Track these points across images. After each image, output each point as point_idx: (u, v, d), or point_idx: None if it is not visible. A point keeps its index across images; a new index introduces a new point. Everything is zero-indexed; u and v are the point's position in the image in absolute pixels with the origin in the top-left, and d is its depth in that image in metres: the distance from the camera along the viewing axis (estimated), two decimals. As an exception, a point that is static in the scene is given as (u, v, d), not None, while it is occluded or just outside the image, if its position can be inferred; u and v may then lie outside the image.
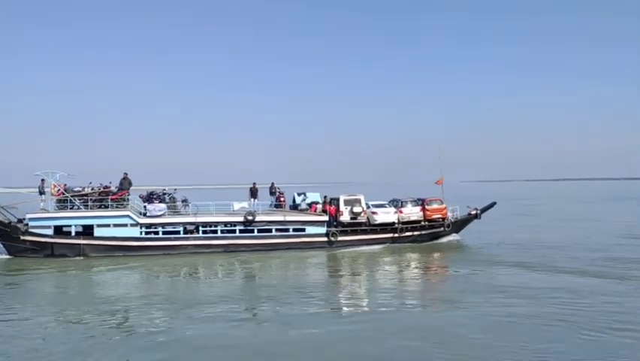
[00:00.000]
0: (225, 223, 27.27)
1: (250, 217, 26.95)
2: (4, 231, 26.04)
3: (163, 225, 26.64)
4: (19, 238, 25.86)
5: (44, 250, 25.81)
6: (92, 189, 27.75)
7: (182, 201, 27.91)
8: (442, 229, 30.09)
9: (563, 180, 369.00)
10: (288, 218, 27.78)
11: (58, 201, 26.68)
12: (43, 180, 27.20)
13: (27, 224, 26.26)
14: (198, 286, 19.60)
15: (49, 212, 26.42)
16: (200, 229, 26.95)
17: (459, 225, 31.04)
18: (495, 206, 32.75)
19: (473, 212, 31.70)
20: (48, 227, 26.05)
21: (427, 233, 29.76)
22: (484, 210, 31.92)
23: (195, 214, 27.23)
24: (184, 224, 26.85)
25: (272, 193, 31.01)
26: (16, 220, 26.58)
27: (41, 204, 27.34)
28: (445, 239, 30.19)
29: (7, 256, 26.06)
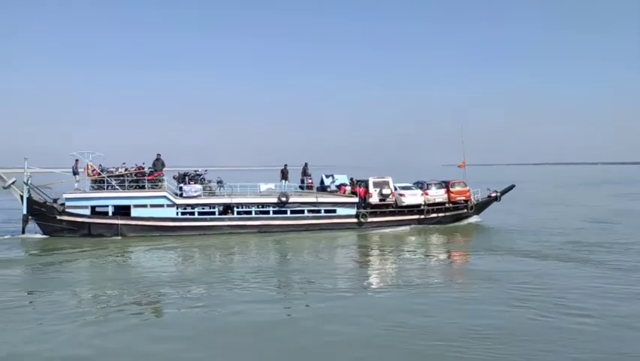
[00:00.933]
0: (259, 204, 27.68)
1: (284, 198, 27.41)
2: (40, 211, 26.15)
3: (199, 205, 26.95)
4: (56, 217, 25.97)
5: (81, 230, 25.99)
6: (126, 169, 27.90)
7: (218, 182, 28.20)
8: (465, 210, 30.94)
9: (542, 164, 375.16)
10: (320, 199, 28.31)
11: (94, 181, 26.79)
12: (77, 160, 27.25)
13: (63, 204, 26.35)
14: (232, 266, 19.96)
15: (85, 192, 26.53)
16: (235, 209, 27.31)
17: (480, 207, 31.88)
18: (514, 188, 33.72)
19: (493, 194, 32.57)
20: (85, 207, 26.21)
21: (450, 215, 30.56)
22: (503, 192, 32.79)
23: (230, 195, 27.58)
24: (219, 205, 27.17)
25: (305, 174, 31.41)
26: (51, 200, 26.62)
27: (75, 184, 27.42)
28: (467, 221, 31.05)
29: (43, 236, 26.17)
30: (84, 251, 22.56)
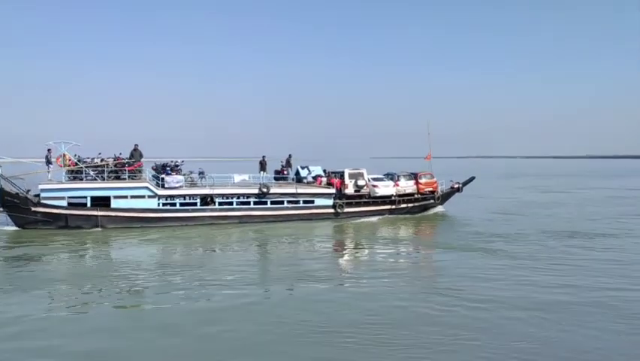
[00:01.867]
0: (240, 195, 27.94)
1: (264, 189, 27.83)
2: (12, 202, 25.20)
3: (181, 196, 26.88)
4: (30, 209, 25.11)
5: (58, 222, 25.29)
6: (102, 160, 27.31)
7: (199, 173, 28.16)
8: (432, 201, 32.58)
9: (475, 157, 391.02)
10: (299, 190, 28.93)
11: (69, 172, 26.07)
12: (49, 149, 26.38)
13: (37, 195, 25.50)
14: (214, 257, 20.16)
15: (62, 183, 25.79)
16: (216, 200, 27.44)
17: (444, 197, 33.63)
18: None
19: (456, 186, 34.43)
20: (62, 198, 25.49)
21: (419, 205, 32.09)
22: (465, 183, 34.75)
23: (212, 186, 27.67)
24: (201, 196, 27.21)
25: (289, 165, 31.76)
26: (24, 191, 25.67)
27: (49, 175, 26.56)
28: (433, 210, 32.72)
29: (15, 228, 25.27)
30: (64, 243, 22.01)
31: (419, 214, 31.76)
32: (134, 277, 15.94)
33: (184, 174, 27.48)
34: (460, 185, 34.45)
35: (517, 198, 44.38)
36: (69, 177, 26.16)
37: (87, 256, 20.17)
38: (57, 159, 26.34)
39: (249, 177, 30.28)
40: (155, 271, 16.88)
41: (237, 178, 29.70)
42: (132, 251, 21.06)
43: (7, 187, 25.29)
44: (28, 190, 25.90)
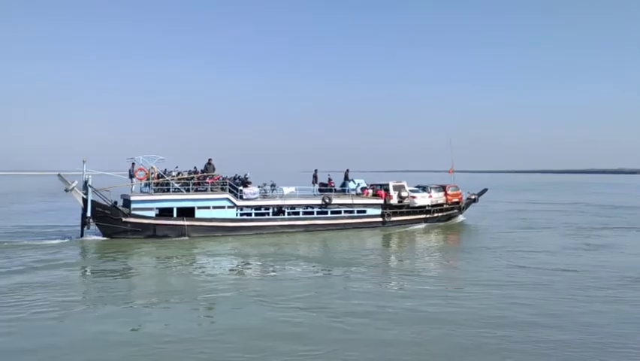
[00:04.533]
0: (307, 205, 30.52)
1: (327, 200, 30.58)
2: (103, 213, 26.52)
3: (256, 207, 29.11)
4: (121, 219, 26.55)
5: (146, 231, 26.84)
6: (179, 173, 29.10)
7: (271, 186, 30.45)
8: (456, 211, 36.49)
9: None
10: (355, 201, 31.88)
11: (157, 184, 27.73)
12: (133, 163, 27.91)
13: (124, 205, 27.03)
14: (292, 262, 21.55)
15: (151, 194, 27.40)
16: (286, 211, 29.87)
17: (464, 207, 37.62)
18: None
19: (472, 197, 38.55)
20: (151, 209, 27.06)
21: (446, 214, 35.87)
22: (480, 194, 38.94)
23: (282, 197, 30.07)
24: (274, 206, 29.57)
25: (347, 178, 34.20)
26: (110, 203, 27.04)
27: (132, 187, 28.05)
28: (456, 219, 36.63)
29: (103, 238, 26.57)
30: (162, 250, 23.77)
31: (447, 222, 35.54)
32: (232, 283, 17.51)
33: (258, 187, 29.69)
34: (477, 196, 38.58)
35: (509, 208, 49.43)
36: (155, 189, 27.75)
37: (191, 263, 21.54)
38: (136, 172, 27.85)
39: (295, 189, 32.80)
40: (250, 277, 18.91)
41: (286, 190, 32.12)
42: (223, 257, 22.65)
43: (97, 199, 26.62)
44: (116, 202, 27.31)
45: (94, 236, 26.80)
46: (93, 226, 26.85)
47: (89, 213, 26.28)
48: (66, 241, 25.94)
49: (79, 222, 27.10)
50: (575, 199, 64.18)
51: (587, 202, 58.16)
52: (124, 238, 26.55)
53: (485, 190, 39.87)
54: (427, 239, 29.13)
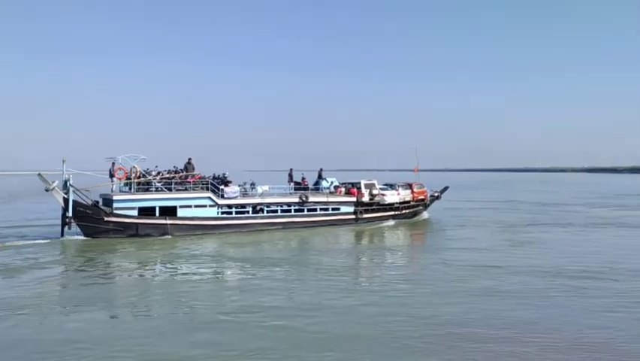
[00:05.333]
0: (284, 204, 31.37)
1: (304, 198, 31.56)
2: (84, 213, 26.44)
3: (237, 205, 29.71)
4: (103, 219, 26.54)
5: (128, 230, 26.96)
6: (160, 173, 29.28)
7: (251, 185, 31.06)
8: (421, 207, 38.32)
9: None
10: (330, 199, 33.00)
11: (139, 183, 27.84)
12: (113, 163, 27.90)
13: (108, 205, 27.03)
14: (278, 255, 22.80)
15: (133, 193, 27.49)
16: (265, 209, 30.63)
17: (429, 204, 39.54)
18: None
19: (435, 194, 40.53)
20: (133, 208, 27.18)
21: (412, 211, 37.64)
22: (442, 192, 40.97)
23: (261, 195, 30.78)
24: (253, 205, 30.25)
25: (291, 178, 35.19)
26: (91, 202, 26.97)
27: (113, 186, 28.03)
28: (421, 216, 38.47)
29: (84, 238, 26.49)
30: (146, 250, 23.95)
31: (413, 219, 37.31)
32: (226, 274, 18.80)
33: (239, 185, 30.27)
34: (439, 193, 40.59)
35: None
36: (137, 189, 27.84)
37: (181, 259, 22.02)
38: (116, 171, 27.88)
39: (269, 188, 33.58)
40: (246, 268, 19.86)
41: (260, 189, 32.83)
42: (206, 257, 22.61)
43: (77, 199, 26.49)
44: (97, 201, 27.25)
45: (75, 236, 26.66)
46: (74, 226, 26.68)
47: (70, 213, 26.11)
48: (47, 241, 25.69)
49: (59, 222, 26.87)
50: (510, 197, 67.20)
51: (520, 200, 60.72)
52: (105, 237, 26.56)
53: (446, 188, 41.95)
54: (394, 236, 30.46)
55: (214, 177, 30.26)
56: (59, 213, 27.09)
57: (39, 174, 26.08)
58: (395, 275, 18.81)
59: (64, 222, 26.49)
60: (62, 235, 26.53)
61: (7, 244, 24.79)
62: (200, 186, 29.24)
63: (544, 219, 38.25)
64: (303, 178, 35.48)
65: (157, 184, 28.25)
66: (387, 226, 34.15)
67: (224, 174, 30.70)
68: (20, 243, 25.04)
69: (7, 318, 12.89)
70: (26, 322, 12.68)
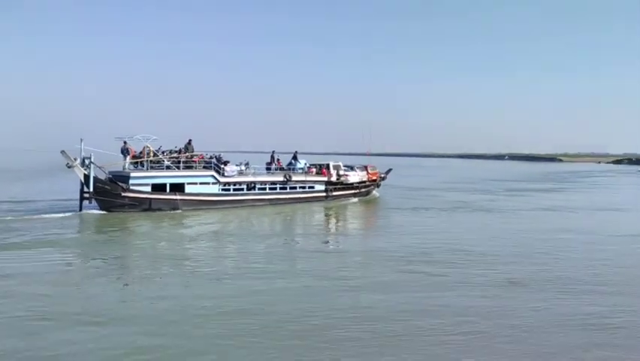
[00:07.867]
0: (272, 182, 35.03)
1: (288, 177, 35.46)
2: (102, 188, 28.31)
3: (234, 183, 32.89)
4: (120, 194, 28.59)
5: (142, 205, 29.22)
6: (163, 153, 31.60)
7: (245, 164, 34.20)
8: (373, 187, 43.80)
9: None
10: (308, 178, 37.17)
11: (151, 161, 30.08)
12: (125, 142, 29.83)
13: (123, 182, 29.08)
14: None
15: (147, 171, 29.72)
16: (257, 186, 34.10)
17: (379, 184, 45.06)
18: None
19: (382, 175, 46.16)
20: (147, 185, 29.44)
21: (367, 190, 42.98)
22: (387, 173, 46.66)
23: (254, 174, 34.16)
24: (247, 183, 33.58)
25: (272, 159, 38.73)
26: (108, 178, 28.87)
27: (126, 164, 29.97)
28: (374, 194, 43.97)
29: (101, 212, 28.39)
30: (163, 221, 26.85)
31: (367, 197, 42.67)
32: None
33: (236, 165, 33.37)
34: (385, 175, 46.28)
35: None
36: (151, 167, 30.07)
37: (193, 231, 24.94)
38: (132, 150, 29.94)
39: (245, 167, 36.83)
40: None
41: (235, 168, 35.96)
42: (214, 227, 26.02)
43: (99, 175, 28.32)
44: (111, 178, 29.14)
45: (91, 210, 28.41)
46: (92, 201, 28.42)
47: (90, 188, 27.84)
48: (68, 214, 27.27)
49: (77, 197, 28.48)
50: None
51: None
52: (121, 211, 28.63)
53: (390, 170, 47.77)
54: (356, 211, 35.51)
55: (211, 157, 33.07)
56: (77, 189, 28.56)
57: (62, 151, 27.44)
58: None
59: (83, 197, 28.16)
60: (80, 209, 28.17)
61: (35, 217, 26.12)
62: (204, 165, 32.00)
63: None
64: (277, 159, 39.18)
65: (167, 163, 30.61)
66: (352, 202, 39.11)
67: (219, 154, 33.63)
68: (44, 216, 26.42)
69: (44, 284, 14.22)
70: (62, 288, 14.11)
